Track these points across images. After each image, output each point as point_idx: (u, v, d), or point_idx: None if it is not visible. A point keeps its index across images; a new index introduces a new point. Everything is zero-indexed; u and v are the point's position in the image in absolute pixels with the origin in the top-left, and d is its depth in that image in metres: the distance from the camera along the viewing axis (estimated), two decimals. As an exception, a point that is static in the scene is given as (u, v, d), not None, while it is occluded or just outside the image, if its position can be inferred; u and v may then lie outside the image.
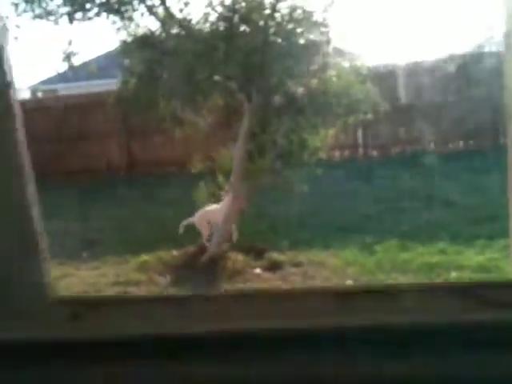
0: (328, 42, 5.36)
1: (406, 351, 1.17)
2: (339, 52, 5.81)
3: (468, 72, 8.16)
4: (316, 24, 5.23)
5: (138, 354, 1.20)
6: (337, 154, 8.96)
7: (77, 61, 6.25)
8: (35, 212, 1.30)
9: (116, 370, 1.22)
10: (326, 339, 1.19)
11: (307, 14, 5.19)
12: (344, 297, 1.25)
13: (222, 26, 5.21)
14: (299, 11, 5.19)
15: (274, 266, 4.88)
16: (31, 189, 1.29)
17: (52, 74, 10.67)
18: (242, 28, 5.16)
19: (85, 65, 6.81)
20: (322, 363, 1.20)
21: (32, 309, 1.26)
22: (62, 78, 9.93)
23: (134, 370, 1.23)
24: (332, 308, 1.23)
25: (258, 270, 4.79)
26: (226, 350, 1.20)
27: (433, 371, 1.19)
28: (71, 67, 5.89)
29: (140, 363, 1.22)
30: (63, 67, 6.44)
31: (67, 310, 1.26)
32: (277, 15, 5.16)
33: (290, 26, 5.20)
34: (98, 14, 5.48)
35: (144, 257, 5.25)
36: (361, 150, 9.42)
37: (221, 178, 5.49)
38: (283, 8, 5.19)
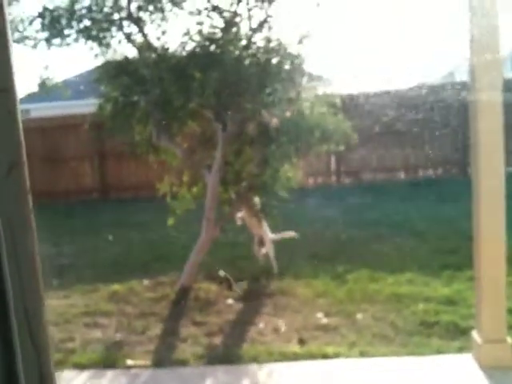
0: (302, 73, 5.47)
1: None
2: (312, 77, 5.90)
3: (437, 101, 8.45)
4: (290, 55, 5.32)
5: None
6: (310, 180, 9.07)
7: (51, 83, 6.22)
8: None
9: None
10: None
11: (282, 46, 5.29)
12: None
13: (198, 54, 5.26)
14: (274, 43, 5.28)
15: (246, 297, 4.91)
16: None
17: (23, 94, 10.56)
18: (218, 58, 5.22)
19: (56, 86, 6.72)
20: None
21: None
22: (31, 98, 9.80)
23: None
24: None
25: (230, 301, 4.80)
26: None
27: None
28: (46, 91, 5.85)
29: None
30: (37, 89, 6.38)
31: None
32: (252, 46, 5.25)
33: (265, 57, 5.28)
34: (76, 40, 5.49)
35: (115, 286, 5.22)
36: (333, 177, 9.55)
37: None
38: (259, 39, 5.29)
